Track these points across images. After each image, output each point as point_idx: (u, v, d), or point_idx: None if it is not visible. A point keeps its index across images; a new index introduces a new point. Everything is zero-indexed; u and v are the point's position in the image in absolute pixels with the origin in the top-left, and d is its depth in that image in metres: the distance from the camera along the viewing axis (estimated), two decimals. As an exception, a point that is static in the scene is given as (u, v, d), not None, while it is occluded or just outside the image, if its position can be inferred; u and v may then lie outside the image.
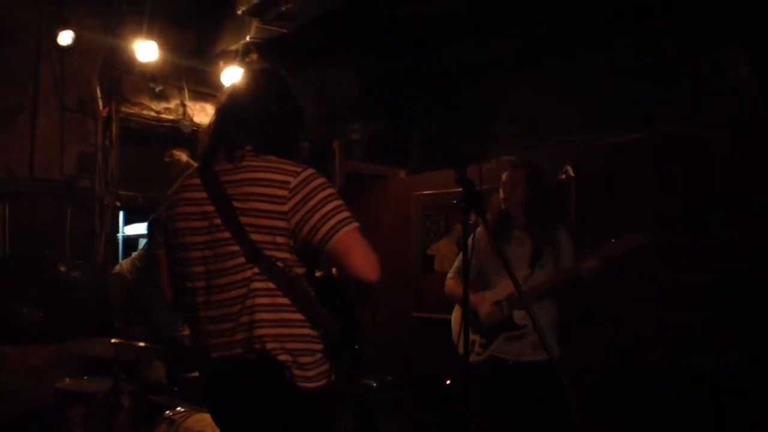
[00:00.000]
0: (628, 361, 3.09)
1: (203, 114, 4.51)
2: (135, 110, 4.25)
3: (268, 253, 1.58)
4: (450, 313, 3.00)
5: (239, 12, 3.96)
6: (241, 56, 4.24)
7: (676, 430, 2.87)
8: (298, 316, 1.62)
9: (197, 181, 1.68)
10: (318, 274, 1.72)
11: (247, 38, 4.11)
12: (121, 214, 4.66)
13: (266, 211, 1.57)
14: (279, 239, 1.58)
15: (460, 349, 2.84)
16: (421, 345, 4.05)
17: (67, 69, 3.93)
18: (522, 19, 4.34)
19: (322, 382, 1.64)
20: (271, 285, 1.59)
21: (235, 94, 1.77)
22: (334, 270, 1.70)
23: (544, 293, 2.68)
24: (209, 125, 1.77)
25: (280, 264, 1.59)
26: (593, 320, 3.17)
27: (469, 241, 2.93)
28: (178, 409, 2.75)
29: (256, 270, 1.58)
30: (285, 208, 1.57)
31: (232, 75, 4.17)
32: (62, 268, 3.71)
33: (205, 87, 4.51)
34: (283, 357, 1.58)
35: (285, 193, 1.57)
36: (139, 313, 3.25)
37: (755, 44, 3.68)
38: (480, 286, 2.84)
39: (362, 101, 5.03)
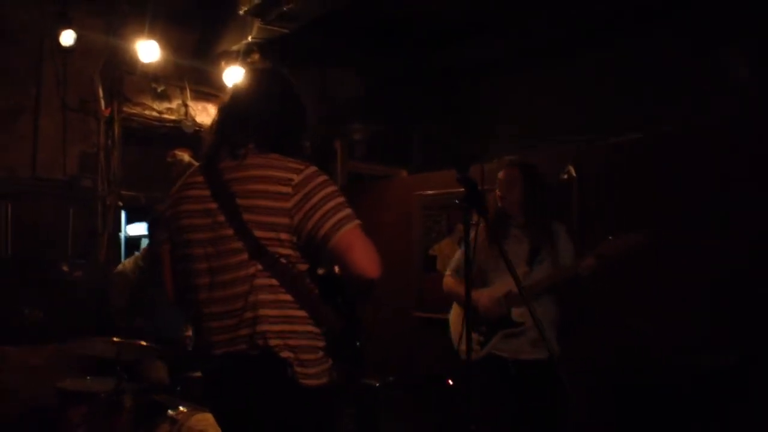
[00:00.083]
0: (628, 361, 3.07)
1: (205, 114, 4.48)
2: (137, 110, 4.22)
3: (271, 249, 1.59)
4: (451, 313, 2.99)
5: (241, 12, 3.93)
6: (243, 56, 4.22)
7: (676, 430, 2.86)
8: (301, 312, 1.62)
9: (200, 178, 1.68)
10: (320, 271, 1.71)
11: (249, 38, 4.08)
12: (123, 214, 4.64)
13: (269, 208, 1.58)
14: (283, 236, 1.59)
15: (457, 347, 2.84)
16: (423, 345, 4.04)
17: (69, 69, 3.90)
18: (522, 19, 4.31)
19: (323, 380, 1.64)
20: (274, 281, 1.59)
21: (238, 94, 1.78)
22: (336, 268, 1.70)
23: (543, 291, 2.66)
24: (212, 124, 1.78)
25: (283, 260, 1.59)
26: (593, 320, 3.15)
27: (471, 237, 2.93)
28: (181, 408, 2.75)
29: (259, 266, 1.59)
30: (288, 204, 1.57)
31: (233, 75, 4.15)
32: (64, 268, 3.69)
33: (207, 87, 4.49)
34: (285, 354, 1.58)
35: (288, 189, 1.57)
36: (141, 313, 3.23)
37: (755, 44, 3.65)
38: (478, 283, 2.82)
39: (363, 101, 5.01)
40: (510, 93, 4.68)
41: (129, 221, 5.06)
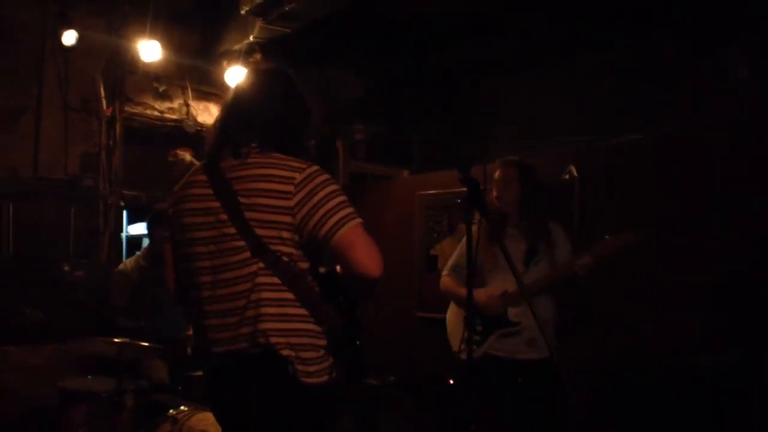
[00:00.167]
0: (628, 361, 3.05)
1: (206, 113, 4.47)
2: (138, 110, 4.21)
3: (273, 247, 1.58)
4: (453, 312, 2.96)
5: (243, 12, 3.92)
6: (245, 56, 4.20)
7: (676, 431, 2.84)
8: (302, 311, 1.61)
9: (203, 177, 1.68)
10: (322, 270, 1.71)
11: (251, 38, 4.07)
12: (124, 214, 4.63)
13: (272, 206, 1.57)
14: (285, 234, 1.58)
15: (454, 347, 2.83)
16: (424, 345, 4.02)
17: (70, 69, 3.88)
18: (522, 19, 4.29)
19: (324, 378, 1.63)
20: (276, 280, 1.59)
21: (241, 93, 1.77)
22: (338, 267, 1.70)
23: (540, 291, 2.64)
24: (215, 123, 1.77)
25: (285, 259, 1.59)
26: (593, 320, 3.13)
27: (474, 230, 2.91)
28: (182, 408, 2.73)
29: (261, 265, 1.58)
30: (290, 203, 1.57)
31: (235, 74, 4.13)
32: (66, 268, 3.68)
33: (208, 86, 4.47)
34: (286, 352, 1.58)
35: (290, 188, 1.57)
36: (142, 313, 3.21)
37: (755, 44, 3.63)
38: (475, 283, 2.81)
39: (363, 102, 4.99)
40: (510, 93, 4.66)
41: (130, 221, 5.05)
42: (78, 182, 3.85)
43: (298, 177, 1.58)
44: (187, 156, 4.13)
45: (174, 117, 4.35)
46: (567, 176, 3.46)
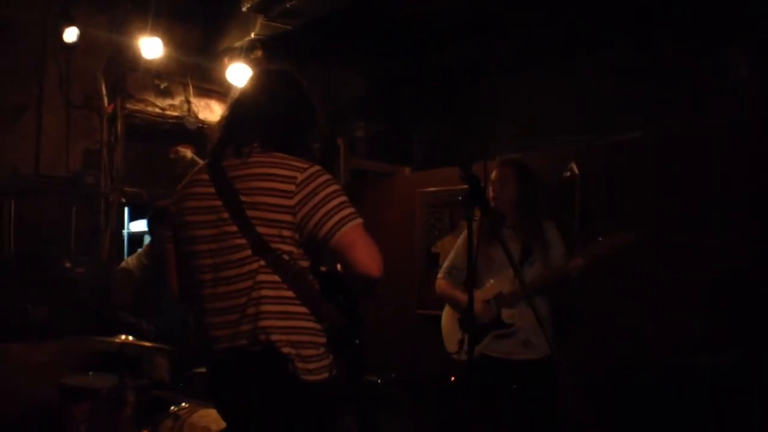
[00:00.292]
0: (628, 361, 3.03)
1: (208, 110, 4.43)
2: (140, 107, 4.16)
3: (274, 246, 1.58)
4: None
5: (244, 9, 3.88)
6: (246, 53, 4.16)
7: (676, 430, 2.82)
8: (303, 309, 1.61)
9: (206, 176, 1.68)
10: (323, 269, 1.71)
11: (252, 35, 4.02)
12: (126, 211, 4.59)
13: (273, 205, 1.57)
14: (285, 232, 1.58)
15: (449, 348, 2.81)
16: (426, 343, 3.98)
17: (72, 66, 3.84)
18: (522, 19, 4.26)
19: (324, 376, 1.62)
20: (276, 278, 1.59)
21: (245, 93, 1.77)
22: (338, 266, 1.69)
23: (534, 291, 2.61)
24: (219, 122, 1.77)
25: (285, 257, 1.59)
26: (593, 320, 3.11)
27: (464, 237, 2.88)
28: (183, 404, 2.71)
29: (262, 263, 1.58)
30: (292, 202, 1.57)
31: (236, 72, 4.09)
32: (67, 265, 3.64)
33: (209, 84, 4.43)
34: (286, 349, 1.57)
35: (292, 187, 1.57)
36: (145, 310, 3.18)
37: (755, 44, 3.60)
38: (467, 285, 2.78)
39: (364, 101, 4.95)
40: (510, 93, 4.62)
41: (132, 218, 5.01)
42: (79, 179, 3.81)
43: (300, 176, 1.58)
44: (189, 153, 4.10)
45: (175, 114, 4.30)
46: (568, 174, 3.43)
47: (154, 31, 3.88)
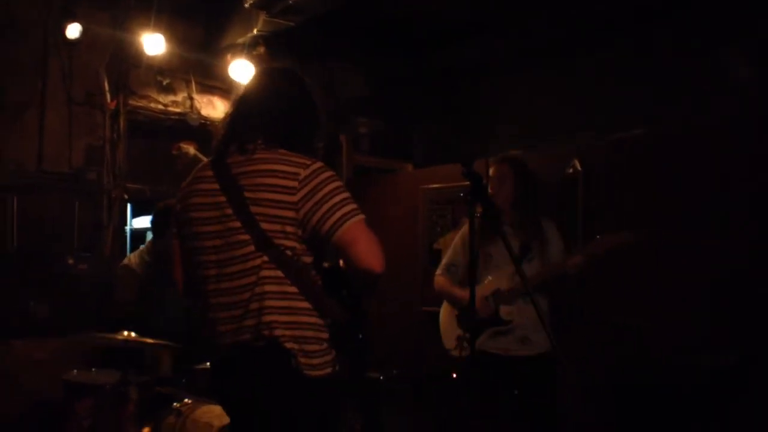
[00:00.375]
0: (627, 360, 3.00)
1: (210, 107, 4.38)
2: (142, 103, 4.10)
3: (277, 241, 1.58)
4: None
5: (246, 5, 3.83)
6: (249, 49, 4.10)
7: (676, 430, 2.79)
8: (306, 304, 1.61)
9: (210, 173, 1.68)
10: (326, 264, 1.71)
11: (255, 31, 3.97)
12: (128, 207, 4.54)
13: (276, 201, 1.57)
14: (288, 228, 1.58)
15: (447, 345, 2.79)
16: (429, 339, 3.95)
17: (74, 62, 3.77)
18: (522, 18, 4.23)
19: (327, 371, 1.62)
20: (279, 273, 1.59)
21: (249, 91, 1.77)
22: (341, 262, 1.69)
23: (532, 289, 2.58)
24: (224, 119, 1.78)
25: (288, 252, 1.59)
26: (592, 320, 3.08)
27: (460, 236, 2.86)
28: (186, 400, 2.68)
29: (265, 258, 1.58)
30: (294, 198, 1.57)
31: (239, 68, 4.04)
32: (69, 261, 3.59)
33: (212, 80, 4.37)
34: (289, 344, 1.57)
35: (295, 184, 1.57)
36: (148, 307, 3.15)
37: (755, 44, 3.56)
38: (468, 283, 2.75)
39: (364, 100, 4.91)
40: (510, 93, 4.58)
41: (134, 214, 4.97)
42: (82, 176, 3.75)
43: (303, 173, 1.58)
44: (191, 149, 4.06)
45: (178, 110, 4.24)
46: (571, 170, 3.40)
47: (157, 27, 3.82)
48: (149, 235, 3.82)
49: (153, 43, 3.81)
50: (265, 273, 1.58)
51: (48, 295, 3.51)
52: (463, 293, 2.71)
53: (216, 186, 1.64)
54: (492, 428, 2.63)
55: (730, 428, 2.63)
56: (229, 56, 4.19)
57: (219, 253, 1.62)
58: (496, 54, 4.54)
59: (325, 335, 1.63)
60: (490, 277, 2.67)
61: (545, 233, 2.68)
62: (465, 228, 2.88)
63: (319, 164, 1.61)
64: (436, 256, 4.10)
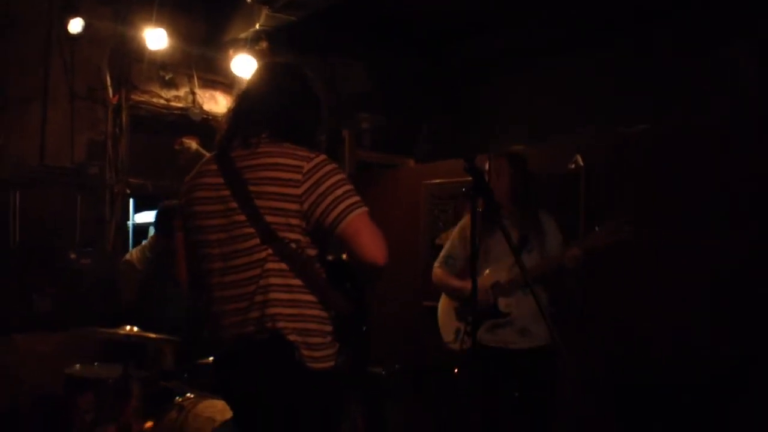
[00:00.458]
0: (627, 360, 2.96)
1: (213, 102, 4.31)
2: (145, 98, 4.03)
3: (282, 234, 1.57)
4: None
5: (249, 0, 3.76)
6: (251, 44, 4.04)
7: (676, 430, 2.76)
8: (310, 297, 1.60)
9: (214, 167, 1.66)
10: (329, 257, 1.69)
11: (257, 26, 3.91)
12: (131, 202, 4.49)
13: (280, 194, 1.56)
14: (292, 221, 1.57)
15: (445, 338, 2.76)
16: (430, 334, 3.92)
17: (76, 57, 3.71)
18: (522, 17, 4.18)
19: (329, 364, 1.61)
20: (284, 266, 1.57)
21: (251, 86, 1.76)
22: (344, 255, 1.67)
23: (531, 281, 2.55)
24: (227, 114, 1.76)
25: (293, 245, 1.58)
26: (585, 312, 3.04)
27: (457, 230, 2.83)
28: (188, 395, 2.65)
29: (270, 251, 1.57)
30: (298, 191, 1.55)
31: (241, 63, 3.98)
32: (72, 256, 3.54)
33: (214, 75, 4.30)
34: (292, 337, 1.56)
35: (299, 177, 1.56)
36: (150, 303, 3.11)
37: (756, 44, 3.51)
38: (468, 275, 2.71)
39: (366, 96, 4.86)
40: (510, 93, 4.53)
41: (137, 209, 4.91)
42: (84, 171, 3.69)
43: (306, 166, 1.57)
44: (193, 144, 4.00)
45: (180, 105, 4.17)
46: (573, 165, 3.35)
47: (159, 22, 3.75)
48: (151, 231, 3.78)
49: (155, 38, 3.74)
50: (269, 266, 1.56)
51: (50, 289, 3.47)
52: (461, 284, 2.69)
53: (220, 180, 1.62)
54: (492, 421, 2.59)
55: (730, 428, 2.60)
56: (231, 51, 4.13)
57: (223, 247, 1.61)
58: (497, 53, 4.49)
59: (329, 328, 1.62)
60: (488, 270, 2.64)
61: (543, 226, 2.66)
62: (463, 221, 2.85)
63: (322, 157, 1.60)
64: (437, 252, 3.99)
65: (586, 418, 3.00)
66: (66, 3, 3.57)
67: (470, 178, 1.91)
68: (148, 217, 4.86)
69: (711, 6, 3.63)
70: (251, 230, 1.57)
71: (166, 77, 4.11)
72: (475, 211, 1.96)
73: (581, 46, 4.17)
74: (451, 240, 2.87)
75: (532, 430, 2.61)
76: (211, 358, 2.60)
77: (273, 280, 1.56)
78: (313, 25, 3.99)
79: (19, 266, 3.40)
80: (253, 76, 1.81)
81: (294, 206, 1.56)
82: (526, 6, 4.04)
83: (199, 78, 4.24)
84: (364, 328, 1.71)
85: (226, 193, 1.60)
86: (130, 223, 4.58)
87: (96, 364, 2.92)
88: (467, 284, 2.63)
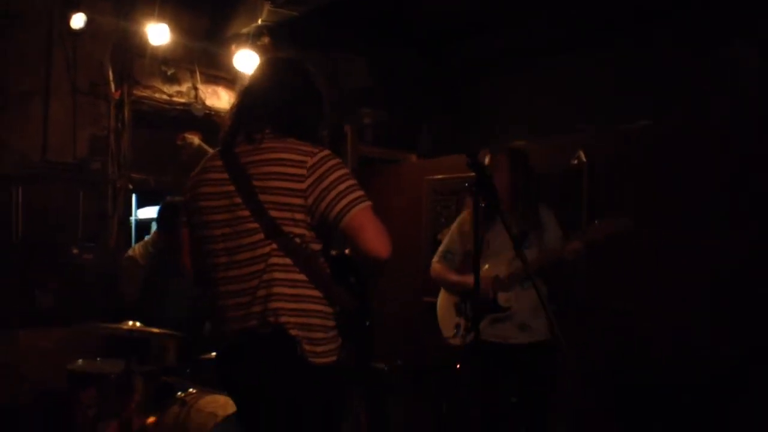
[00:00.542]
0: (627, 360, 2.93)
1: (215, 97, 4.24)
2: (147, 93, 3.96)
3: (286, 229, 1.56)
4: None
5: (251, -5, 3.71)
6: (253, 39, 3.97)
7: (676, 430, 2.73)
8: (314, 292, 1.58)
9: (219, 162, 1.66)
10: (333, 253, 1.68)
11: (259, 21, 3.85)
12: (133, 197, 4.44)
13: (285, 189, 1.55)
14: (297, 216, 1.56)
15: (445, 333, 2.73)
16: (432, 329, 3.90)
17: (78, 52, 3.63)
18: (523, 17, 4.12)
19: (332, 358, 1.59)
20: (288, 261, 1.56)
21: (254, 82, 1.75)
22: (347, 250, 1.67)
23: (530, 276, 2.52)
24: (230, 110, 1.76)
25: (297, 240, 1.57)
26: (592, 318, 3.00)
27: (455, 226, 2.79)
28: (190, 390, 2.61)
29: (274, 246, 1.56)
30: (303, 186, 1.55)
31: (244, 58, 3.91)
32: (74, 251, 3.49)
33: (217, 70, 4.22)
34: (294, 332, 1.55)
35: (303, 171, 1.55)
36: (153, 298, 3.07)
37: (756, 44, 3.46)
38: (467, 270, 2.67)
39: (367, 92, 4.80)
40: (510, 93, 4.48)
41: (139, 205, 4.86)
42: (86, 166, 3.63)
43: (310, 160, 1.56)
44: (196, 140, 3.95)
45: (182, 100, 4.10)
46: (576, 161, 3.30)
47: (161, 16, 3.68)
48: (154, 226, 3.73)
49: (157, 33, 3.67)
50: (273, 260, 1.55)
51: (53, 284, 3.41)
52: (459, 279, 2.66)
53: (225, 175, 1.61)
54: (492, 417, 2.56)
55: (730, 428, 2.57)
56: (233, 46, 4.05)
57: (228, 242, 1.60)
58: (500, 49, 4.43)
59: (332, 323, 1.60)
60: (487, 265, 2.61)
61: (543, 221, 2.62)
62: (462, 216, 2.82)
63: (326, 152, 1.59)
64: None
65: (586, 413, 2.97)
66: (67, -1, 3.50)
67: (473, 174, 1.88)
68: (150, 212, 4.81)
69: (711, 5, 3.57)
70: (255, 225, 1.56)
71: (169, 72, 4.03)
72: (478, 205, 1.94)
73: (581, 45, 4.11)
74: (450, 235, 2.84)
75: (532, 424, 2.59)
76: (213, 354, 2.58)
77: (277, 275, 1.55)
78: (315, 21, 3.95)
79: (21, 261, 3.35)
80: (256, 71, 1.80)
81: (298, 201, 1.54)
82: (527, 5, 3.99)
83: (201, 73, 4.16)
84: (367, 324, 1.70)
85: (231, 188, 1.59)
86: (132, 218, 4.54)
87: (98, 359, 2.89)
88: (466, 279, 2.60)
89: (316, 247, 1.60)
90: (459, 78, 4.76)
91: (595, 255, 2.47)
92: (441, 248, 2.84)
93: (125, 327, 2.59)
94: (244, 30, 3.98)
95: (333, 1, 3.66)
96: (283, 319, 1.54)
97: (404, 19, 4.35)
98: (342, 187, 1.56)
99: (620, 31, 3.98)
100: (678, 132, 3.04)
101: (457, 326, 2.68)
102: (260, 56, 3.92)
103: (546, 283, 2.57)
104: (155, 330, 2.62)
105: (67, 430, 2.77)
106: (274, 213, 1.55)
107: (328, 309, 1.60)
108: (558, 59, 4.23)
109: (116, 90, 3.79)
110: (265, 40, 4.02)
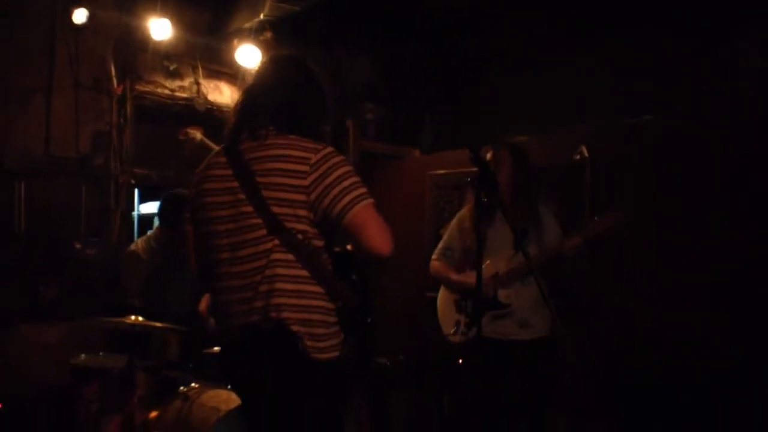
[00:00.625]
0: (627, 360, 2.89)
1: (217, 92, 4.18)
2: (149, 88, 3.90)
3: (289, 225, 1.55)
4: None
5: (253, -11, 3.65)
6: (256, 34, 3.91)
7: (676, 430, 2.71)
8: (316, 288, 1.57)
9: (223, 159, 1.65)
10: (336, 249, 1.67)
11: (262, 16, 3.78)
12: (136, 192, 4.40)
13: (288, 185, 1.54)
14: (300, 212, 1.55)
15: (445, 330, 2.70)
16: (434, 325, 3.88)
17: (81, 48, 3.57)
18: (525, 12, 4.06)
19: (333, 354, 1.58)
20: (290, 257, 1.55)
21: (257, 79, 1.74)
22: (349, 246, 1.66)
23: (529, 272, 2.47)
24: (234, 107, 1.74)
25: (300, 236, 1.55)
26: (592, 317, 2.97)
27: (454, 223, 2.75)
28: (193, 385, 2.58)
29: (276, 242, 1.55)
30: (306, 182, 1.53)
31: (246, 53, 3.85)
32: (77, 246, 3.45)
33: (219, 65, 4.16)
34: (296, 327, 1.53)
35: (306, 168, 1.54)
36: (155, 293, 3.03)
37: (756, 44, 3.40)
38: (466, 266, 2.66)
39: (370, 86, 4.75)
40: (512, 89, 4.41)
41: (142, 200, 4.81)
42: (89, 161, 3.58)
43: (314, 157, 1.55)
44: (198, 135, 3.90)
45: (185, 95, 4.04)
46: (578, 156, 3.26)
47: (163, 11, 3.61)
48: (156, 221, 3.69)
49: (159, 28, 3.61)
50: (276, 256, 1.54)
51: (55, 279, 3.37)
52: (459, 277, 2.63)
53: (229, 172, 1.60)
54: (493, 413, 2.54)
55: (730, 428, 2.55)
56: (235, 41, 3.98)
57: (231, 237, 1.59)
58: (502, 44, 4.37)
59: (334, 319, 1.58)
60: (487, 261, 2.57)
61: (542, 220, 2.59)
62: (462, 212, 2.80)
63: (329, 149, 1.58)
64: (442, 242, 3.99)
65: (586, 412, 2.95)
66: (69, -6, 3.42)
67: (475, 169, 1.86)
68: (153, 207, 4.75)
69: (711, 4, 3.52)
70: (258, 221, 1.55)
71: (171, 67, 3.97)
72: (480, 201, 1.91)
73: (583, 41, 4.04)
74: (449, 231, 2.81)
75: (532, 421, 2.57)
76: (216, 348, 2.56)
77: (279, 271, 1.54)
78: (318, 16, 3.89)
79: (24, 256, 3.30)
80: (259, 69, 1.79)
81: (301, 197, 1.53)
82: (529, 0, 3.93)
83: (203, 68, 4.10)
84: (370, 320, 1.69)
85: (235, 184, 1.58)
86: (135, 213, 4.49)
87: (101, 354, 2.85)
88: (467, 278, 2.57)
89: (319, 243, 1.58)
90: (462, 73, 4.70)
91: (595, 254, 2.43)
92: (440, 245, 2.82)
93: (128, 322, 2.56)
94: (247, 25, 3.92)
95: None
96: (285, 314, 1.53)
97: (407, 14, 4.31)
98: (345, 184, 1.54)
99: (620, 29, 3.91)
100: (678, 131, 2.99)
101: (457, 323, 2.65)
102: (262, 51, 3.86)
103: (546, 280, 2.55)
104: (158, 324, 2.59)
105: (69, 425, 2.74)
106: (276, 209, 1.54)
107: (330, 305, 1.58)
108: (560, 54, 4.16)
109: (118, 85, 3.73)
110: (268, 35, 3.96)
